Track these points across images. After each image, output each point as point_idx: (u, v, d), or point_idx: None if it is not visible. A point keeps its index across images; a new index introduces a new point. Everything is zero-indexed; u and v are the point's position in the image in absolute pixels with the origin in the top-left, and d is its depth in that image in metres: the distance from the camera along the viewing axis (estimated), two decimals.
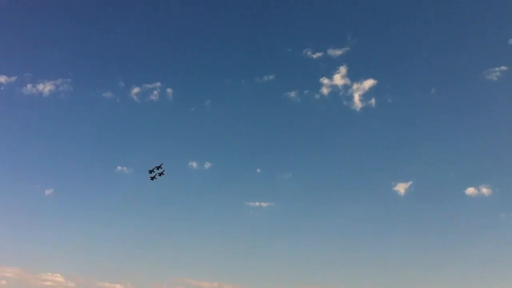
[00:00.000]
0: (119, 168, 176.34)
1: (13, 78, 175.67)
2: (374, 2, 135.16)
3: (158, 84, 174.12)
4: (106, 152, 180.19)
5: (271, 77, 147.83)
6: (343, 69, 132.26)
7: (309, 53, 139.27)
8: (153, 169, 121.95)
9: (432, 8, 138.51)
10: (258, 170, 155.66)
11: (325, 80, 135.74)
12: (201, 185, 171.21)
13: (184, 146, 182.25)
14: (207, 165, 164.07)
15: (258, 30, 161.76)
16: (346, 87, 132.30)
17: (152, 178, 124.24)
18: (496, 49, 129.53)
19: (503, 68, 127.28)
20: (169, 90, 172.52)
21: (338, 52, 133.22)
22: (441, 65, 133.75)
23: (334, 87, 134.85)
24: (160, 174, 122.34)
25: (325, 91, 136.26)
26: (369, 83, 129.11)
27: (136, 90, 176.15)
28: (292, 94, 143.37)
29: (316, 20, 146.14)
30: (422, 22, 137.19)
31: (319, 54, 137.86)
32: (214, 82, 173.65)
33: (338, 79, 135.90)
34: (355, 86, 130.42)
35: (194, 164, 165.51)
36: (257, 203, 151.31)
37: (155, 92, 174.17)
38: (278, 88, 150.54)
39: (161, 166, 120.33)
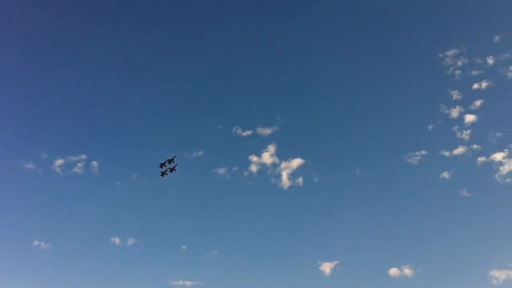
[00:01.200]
0: (36, 243, 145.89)
1: None
2: (304, 86, 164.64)
3: (83, 156, 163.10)
4: (23, 225, 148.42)
5: (200, 153, 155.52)
6: (272, 148, 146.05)
7: (238, 130, 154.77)
8: (164, 163, 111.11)
9: (356, 97, 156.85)
10: (184, 247, 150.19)
11: (254, 158, 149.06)
12: (123, 263, 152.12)
13: (108, 221, 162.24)
14: (130, 241, 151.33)
15: (189, 106, 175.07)
16: (274, 165, 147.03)
17: (163, 174, 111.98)
18: (417, 134, 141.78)
19: (423, 152, 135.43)
20: (94, 163, 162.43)
21: (267, 131, 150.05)
22: (366, 148, 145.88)
23: (262, 165, 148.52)
24: (171, 170, 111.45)
25: (253, 168, 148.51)
26: (297, 162, 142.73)
27: (59, 162, 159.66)
28: (221, 170, 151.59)
29: (247, 99, 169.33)
30: (347, 107, 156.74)
31: (248, 132, 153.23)
32: (142, 156, 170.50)
33: (267, 157, 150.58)
34: (283, 164, 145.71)
35: (117, 240, 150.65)
36: (180, 282, 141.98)
37: (80, 164, 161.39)
38: (207, 164, 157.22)
39: (174, 159, 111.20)
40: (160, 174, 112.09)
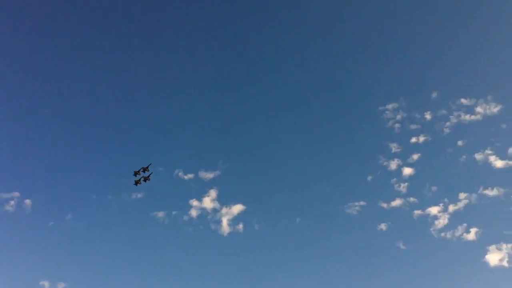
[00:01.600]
0: None
1: None
2: (249, 132, 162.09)
3: (16, 194, 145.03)
4: None
5: (139, 195, 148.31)
6: (213, 193, 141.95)
7: (180, 174, 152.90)
8: (139, 171, 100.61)
9: (298, 146, 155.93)
10: None
11: (194, 202, 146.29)
12: None
13: (38, 263, 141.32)
14: (61, 285, 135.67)
15: (129, 147, 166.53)
16: (215, 210, 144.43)
17: (136, 183, 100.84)
18: (357, 185, 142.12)
19: (362, 203, 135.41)
20: (27, 201, 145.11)
21: (210, 175, 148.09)
22: (307, 197, 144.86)
23: (203, 210, 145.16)
24: (145, 179, 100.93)
25: (194, 213, 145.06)
26: (237, 208, 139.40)
27: None
28: (160, 214, 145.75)
29: (190, 142, 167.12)
30: (289, 156, 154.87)
31: (190, 176, 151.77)
32: (78, 196, 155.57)
33: (208, 202, 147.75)
34: (224, 210, 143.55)
35: (46, 284, 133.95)
36: None
37: (12, 202, 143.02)
38: (146, 207, 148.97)
39: (149, 167, 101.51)
40: (134, 183, 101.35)
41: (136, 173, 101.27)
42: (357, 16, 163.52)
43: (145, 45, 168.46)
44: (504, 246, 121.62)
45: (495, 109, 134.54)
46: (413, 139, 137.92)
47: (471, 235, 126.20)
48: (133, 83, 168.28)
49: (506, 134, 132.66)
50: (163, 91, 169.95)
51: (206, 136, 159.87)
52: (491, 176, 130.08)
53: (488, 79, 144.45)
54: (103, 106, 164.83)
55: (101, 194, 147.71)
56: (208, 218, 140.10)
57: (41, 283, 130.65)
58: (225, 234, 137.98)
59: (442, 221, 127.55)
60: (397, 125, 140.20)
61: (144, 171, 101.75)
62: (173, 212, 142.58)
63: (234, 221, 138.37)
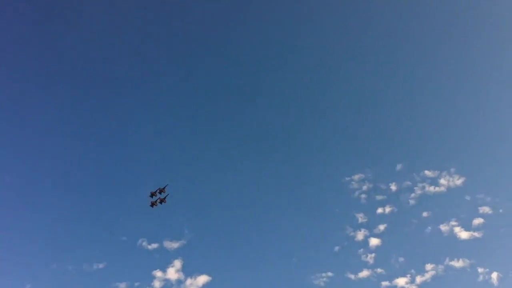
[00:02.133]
0: None
1: None
2: (216, 203, 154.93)
3: None
4: None
5: (101, 265, 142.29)
6: (178, 263, 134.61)
7: (144, 243, 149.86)
8: (155, 192, 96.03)
9: (264, 216, 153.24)
10: None
11: (158, 273, 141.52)
12: None
13: None
14: None
15: (91, 214, 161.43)
16: (179, 281, 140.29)
17: (152, 205, 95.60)
18: (324, 255, 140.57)
19: (329, 274, 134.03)
20: None
21: (175, 245, 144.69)
22: (274, 267, 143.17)
23: (167, 281, 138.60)
24: (161, 201, 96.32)
25: (157, 284, 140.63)
26: (203, 279, 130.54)
27: None
28: (122, 285, 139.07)
29: (155, 211, 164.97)
30: (257, 226, 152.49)
31: (154, 246, 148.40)
32: (36, 266, 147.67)
33: (172, 273, 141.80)
34: (188, 281, 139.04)
35: None
36: None
37: None
38: (108, 277, 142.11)
39: (165, 189, 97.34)
40: (150, 204, 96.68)
41: (152, 194, 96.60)
42: (325, 91, 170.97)
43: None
44: None
45: (458, 181, 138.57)
46: (379, 210, 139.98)
47: None
48: (104, 150, 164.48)
49: (470, 205, 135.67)
50: (125, 157, 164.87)
51: (171, 204, 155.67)
52: (456, 247, 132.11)
53: (451, 152, 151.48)
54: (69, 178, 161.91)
55: (61, 264, 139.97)
56: None
57: None
58: None
59: None
60: (363, 196, 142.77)
61: (160, 193, 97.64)
62: (136, 284, 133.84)
63: None
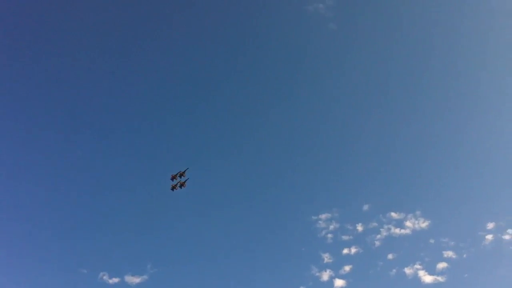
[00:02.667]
0: None
1: None
2: (180, 239, 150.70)
3: None
4: None
5: None
6: None
7: (105, 277, 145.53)
8: (176, 175, 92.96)
9: (228, 255, 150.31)
10: None
11: None
12: None
13: None
14: None
15: (50, 246, 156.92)
16: None
17: (173, 188, 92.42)
18: None
19: None
20: None
21: (136, 279, 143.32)
22: None
23: None
24: (181, 185, 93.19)
25: None
26: None
27: None
28: None
29: (117, 243, 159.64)
30: (219, 265, 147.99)
31: (115, 280, 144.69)
32: None
33: None
34: None
35: None
36: None
37: None
38: None
39: (185, 173, 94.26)
40: (170, 188, 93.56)
41: (173, 177, 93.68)
42: (294, 130, 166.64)
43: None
44: None
45: (423, 224, 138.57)
46: (345, 250, 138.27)
47: None
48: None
49: (435, 249, 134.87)
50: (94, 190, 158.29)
51: (134, 236, 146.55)
52: None
53: (417, 195, 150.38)
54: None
55: None
56: None
57: None
58: None
59: None
60: (330, 235, 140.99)
61: (180, 176, 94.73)
62: None
63: None
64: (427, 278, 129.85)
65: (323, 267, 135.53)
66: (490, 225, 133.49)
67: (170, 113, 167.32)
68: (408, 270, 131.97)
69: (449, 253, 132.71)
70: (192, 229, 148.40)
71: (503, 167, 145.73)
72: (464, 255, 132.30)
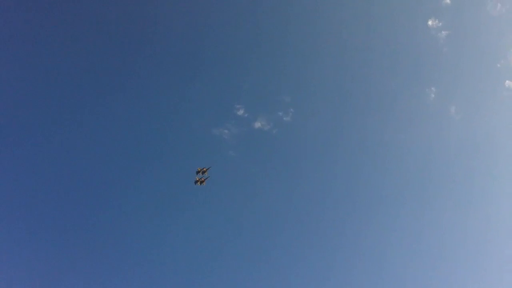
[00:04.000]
0: None
1: None
2: None
3: None
4: None
5: None
6: None
7: None
8: (200, 170, 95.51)
9: None
10: None
11: None
12: None
13: None
14: None
15: None
16: None
17: (196, 182, 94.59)
18: None
19: None
20: None
21: None
22: None
23: None
24: (201, 182, 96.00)
25: None
26: None
27: None
28: None
29: None
30: None
31: None
32: None
33: None
34: None
35: None
36: None
37: None
38: None
39: (207, 171, 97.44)
40: (194, 182, 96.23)
41: (198, 172, 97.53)
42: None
43: None
44: None
45: None
46: None
47: None
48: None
49: None
50: None
51: None
52: None
53: None
54: None
55: None
56: None
57: None
58: None
59: None
60: None
61: (203, 173, 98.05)
62: None
63: None
64: None
65: None
66: None
67: None
68: None
69: None
70: None
71: None
72: None
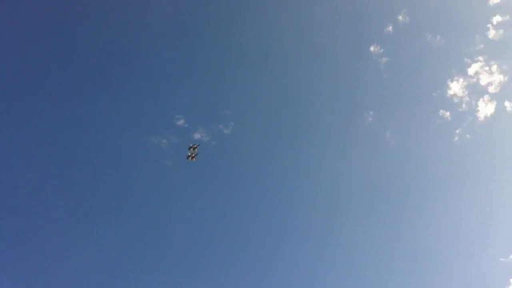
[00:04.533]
0: None
1: None
2: None
3: None
4: None
5: None
6: None
7: None
8: (192, 146, 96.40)
9: None
10: None
11: None
12: None
13: None
14: None
15: None
16: None
17: (187, 157, 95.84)
18: None
19: None
20: None
21: None
22: None
23: None
24: (192, 157, 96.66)
25: None
26: None
27: None
28: None
29: None
30: None
31: None
32: None
33: None
34: None
35: None
36: None
37: None
38: None
39: (197, 149, 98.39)
40: (186, 156, 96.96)
41: (190, 148, 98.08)
42: None
43: None
44: None
45: None
46: None
47: None
48: None
49: None
50: None
51: None
52: None
53: None
54: None
55: None
56: None
57: None
58: None
59: None
60: None
61: (194, 150, 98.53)
62: None
63: None
64: None
65: None
66: None
67: None
68: None
69: None
70: None
71: None
72: None
